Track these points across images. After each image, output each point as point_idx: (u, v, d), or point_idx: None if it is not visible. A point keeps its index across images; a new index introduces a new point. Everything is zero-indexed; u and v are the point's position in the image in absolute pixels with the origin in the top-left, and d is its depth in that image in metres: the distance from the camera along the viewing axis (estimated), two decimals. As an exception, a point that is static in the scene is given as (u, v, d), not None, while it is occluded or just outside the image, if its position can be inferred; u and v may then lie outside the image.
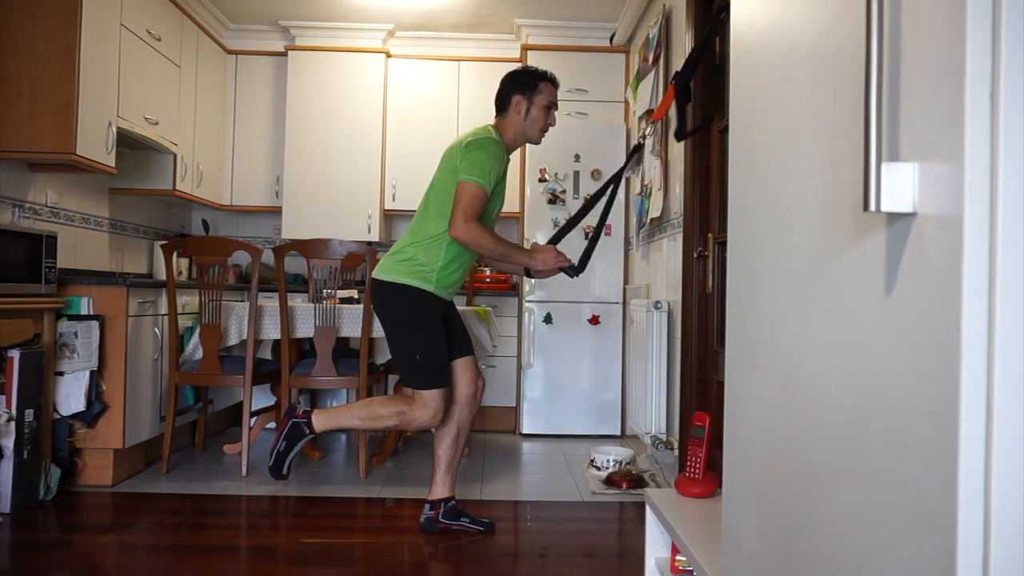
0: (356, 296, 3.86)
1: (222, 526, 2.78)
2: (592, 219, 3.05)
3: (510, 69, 2.84)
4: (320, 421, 2.66)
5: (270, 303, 3.59)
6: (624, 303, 4.50)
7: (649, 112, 3.88)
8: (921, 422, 0.68)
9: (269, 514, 2.94)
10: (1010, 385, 0.62)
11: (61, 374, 3.05)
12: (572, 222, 2.85)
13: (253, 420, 3.84)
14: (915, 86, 0.70)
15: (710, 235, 3.04)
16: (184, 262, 4.57)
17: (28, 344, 2.91)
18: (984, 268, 0.62)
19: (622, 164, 3.27)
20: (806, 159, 0.95)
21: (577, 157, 4.54)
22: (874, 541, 0.76)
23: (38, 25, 3.14)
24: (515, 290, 4.71)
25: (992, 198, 0.62)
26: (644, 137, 4.03)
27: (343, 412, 2.70)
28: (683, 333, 3.19)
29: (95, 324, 3.10)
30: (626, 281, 4.58)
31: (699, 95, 2.99)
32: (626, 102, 4.63)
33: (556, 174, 4.54)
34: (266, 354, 4.15)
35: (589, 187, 4.48)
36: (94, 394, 3.11)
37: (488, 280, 4.75)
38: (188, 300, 3.72)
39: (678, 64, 3.18)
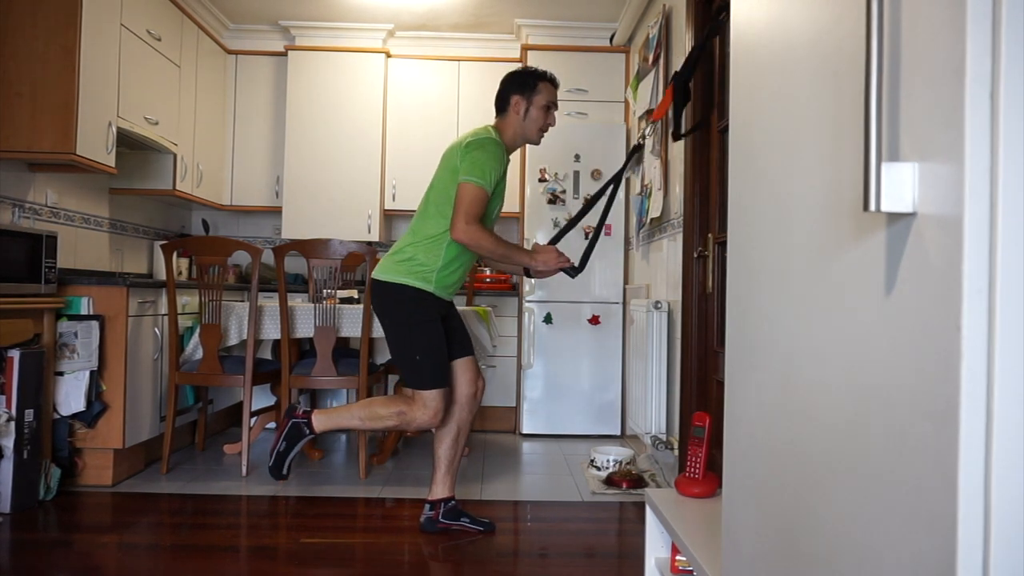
0: (356, 296, 3.86)
1: (222, 526, 2.78)
2: (592, 219, 3.05)
3: (510, 69, 2.84)
4: (320, 421, 2.66)
5: (270, 303, 3.59)
6: (624, 303, 4.50)
7: (649, 112, 3.87)
8: (921, 422, 0.68)
9: (269, 514, 2.94)
10: (1010, 385, 0.62)
11: (61, 374, 3.05)
12: (572, 222, 2.86)
13: (253, 420, 3.84)
14: (915, 86, 0.70)
15: (710, 235, 3.04)
16: (184, 262, 4.57)
17: (28, 344, 2.91)
18: (984, 268, 0.62)
19: (622, 164, 3.27)
20: (806, 159, 0.95)
21: (577, 157, 4.53)
22: (874, 541, 0.76)
23: (38, 25, 3.14)
24: (515, 290, 4.71)
25: (992, 198, 0.62)
26: (644, 137, 4.03)
27: (343, 412, 2.70)
28: (683, 333, 3.19)
29: (95, 324, 3.10)
30: (626, 281, 4.58)
31: (699, 94, 2.99)
32: (626, 102, 4.63)
33: (556, 174, 4.54)
34: (266, 354, 4.15)
35: (589, 187, 4.48)
36: (94, 394, 3.11)
37: (488, 280, 4.75)
38: (188, 300, 3.72)
39: (678, 64, 3.18)
